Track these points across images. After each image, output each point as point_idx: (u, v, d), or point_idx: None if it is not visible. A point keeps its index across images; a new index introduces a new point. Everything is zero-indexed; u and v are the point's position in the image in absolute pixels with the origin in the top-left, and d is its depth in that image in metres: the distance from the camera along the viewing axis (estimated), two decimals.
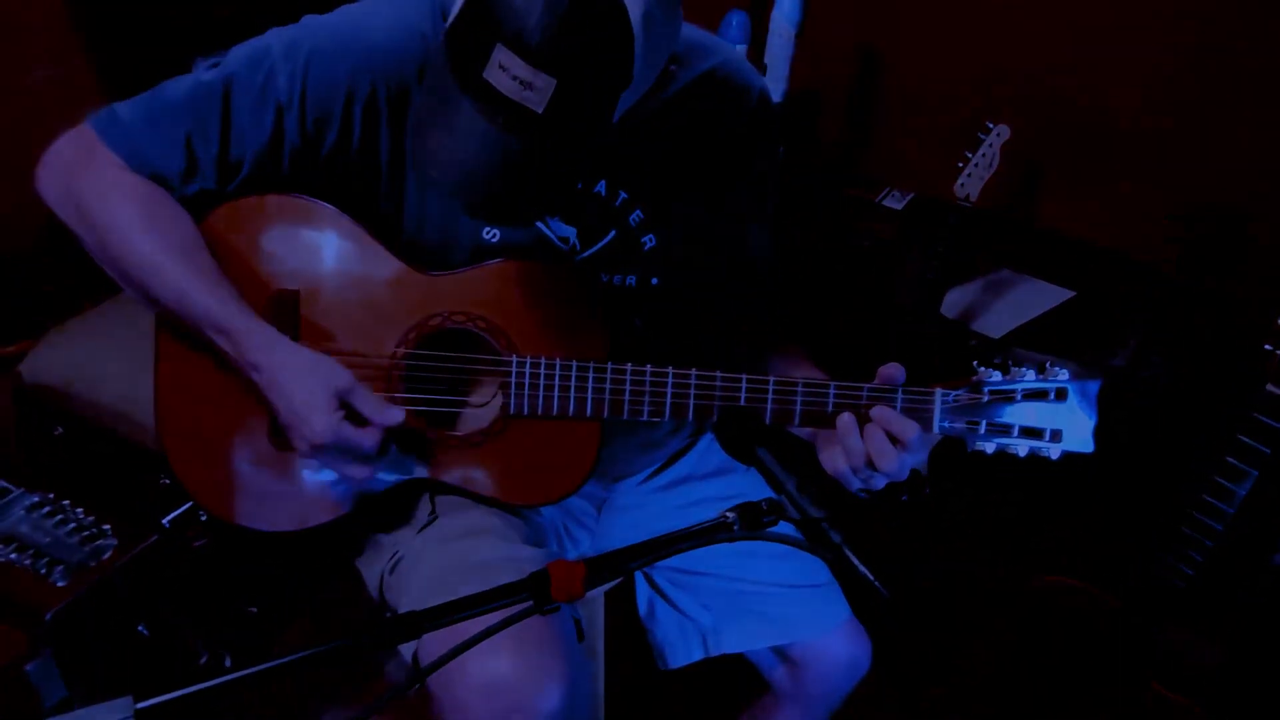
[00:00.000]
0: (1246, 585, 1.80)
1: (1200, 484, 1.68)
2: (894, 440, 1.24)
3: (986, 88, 2.44)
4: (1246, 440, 1.60)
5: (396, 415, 1.29)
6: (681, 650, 1.59)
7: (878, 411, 1.25)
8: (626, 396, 1.32)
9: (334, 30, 1.28)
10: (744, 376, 1.30)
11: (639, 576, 1.63)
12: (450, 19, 1.10)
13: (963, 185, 2.21)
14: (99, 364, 1.93)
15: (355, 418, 1.28)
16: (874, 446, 1.24)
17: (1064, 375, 1.25)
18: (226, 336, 1.26)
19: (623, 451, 1.57)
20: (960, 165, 2.21)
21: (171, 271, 1.25)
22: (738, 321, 1.59)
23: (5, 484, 1.55)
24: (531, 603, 0.90)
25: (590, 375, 1.32)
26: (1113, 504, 2.09)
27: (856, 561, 0.96)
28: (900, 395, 1.26)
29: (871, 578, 0.97)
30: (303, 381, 1.25)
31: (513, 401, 1.34)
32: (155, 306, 1.29)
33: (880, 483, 1.27)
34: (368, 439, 1.27)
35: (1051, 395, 1.24)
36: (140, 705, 0.76)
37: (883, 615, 1.53)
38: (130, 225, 1.25)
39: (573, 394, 1.33)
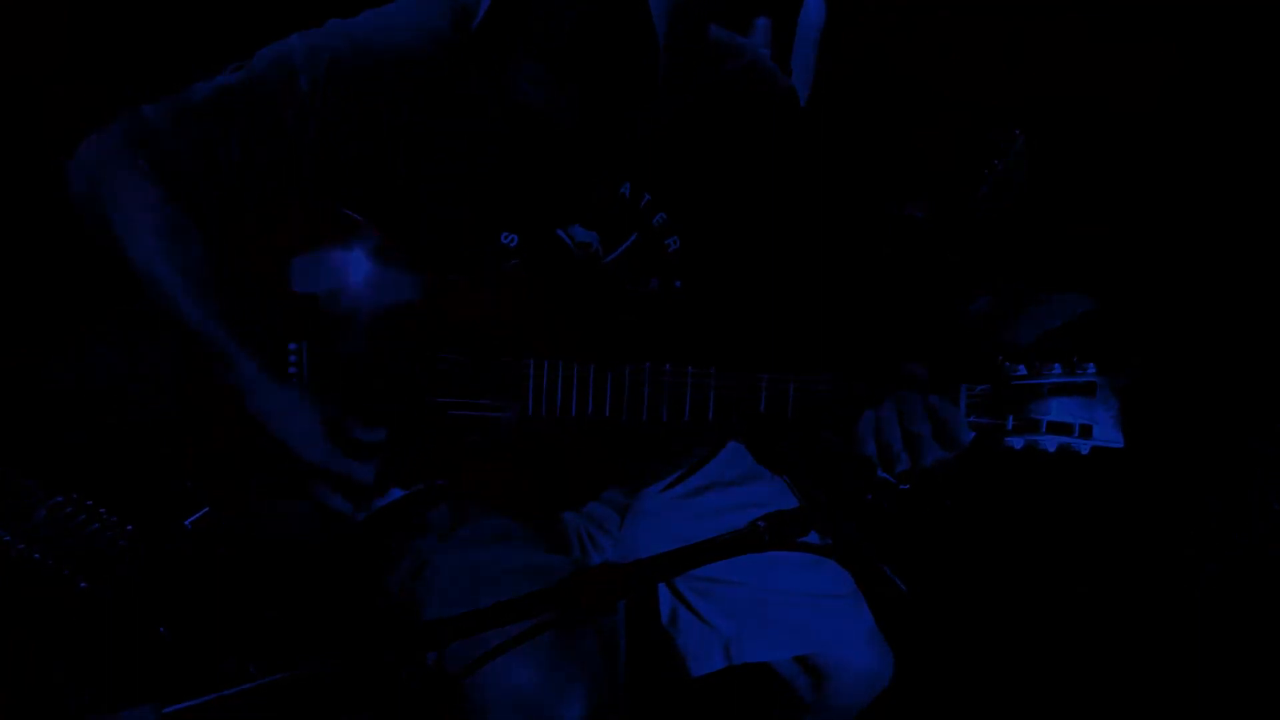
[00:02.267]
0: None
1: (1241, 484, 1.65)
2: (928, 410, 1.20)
3: (1009, 96, 2.42)
4: None
5: (378, 433, 1.29)
6: (703, 658, 1.58)
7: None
8: (645, 397, 1.31)
9: (356, 34, 1.29)
10: (765, 375, 1.29)
11: (661, 583, 1.62)
12: (476, 23, 1.10)
13: (986, 194, 2.20)
14: (122, 369, 1.94)
15: (349, 447, 1.28)
16: (907, 409, 1.20)
17: (1091, 369, 1.21)
18: (219, 360, 1.28)
19: (645, 458, 1.56)
20: (986, 172, 2.19)
21: (172, 293, 1.27)
22: (761, 324, 1.58)
23: (29, 485, 1.56)
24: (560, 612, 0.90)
25: (609, 376, 1.32)
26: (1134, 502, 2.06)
27: (889, 572, 0.95)
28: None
29: (903, 586, 0.96)
30: (291, 416, 1.27)
31: (530, 404, 1.34)
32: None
33: (904, 462, 1.21)
34: (360, 470, 1.28)
35: (1080, 390, 1.21)
36: (167, 710, 0.75)
37: (910, 621, 1.52)
38: (140, 242, 1.27)
39: (591, 395, 1.32)
